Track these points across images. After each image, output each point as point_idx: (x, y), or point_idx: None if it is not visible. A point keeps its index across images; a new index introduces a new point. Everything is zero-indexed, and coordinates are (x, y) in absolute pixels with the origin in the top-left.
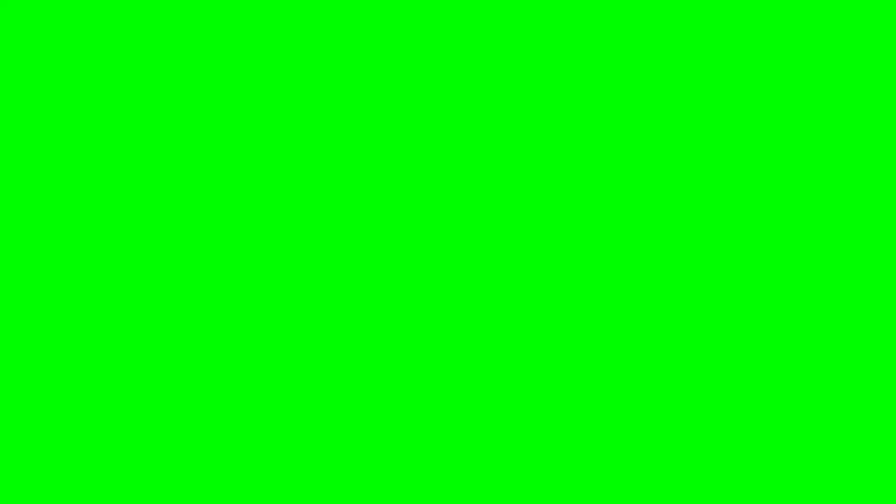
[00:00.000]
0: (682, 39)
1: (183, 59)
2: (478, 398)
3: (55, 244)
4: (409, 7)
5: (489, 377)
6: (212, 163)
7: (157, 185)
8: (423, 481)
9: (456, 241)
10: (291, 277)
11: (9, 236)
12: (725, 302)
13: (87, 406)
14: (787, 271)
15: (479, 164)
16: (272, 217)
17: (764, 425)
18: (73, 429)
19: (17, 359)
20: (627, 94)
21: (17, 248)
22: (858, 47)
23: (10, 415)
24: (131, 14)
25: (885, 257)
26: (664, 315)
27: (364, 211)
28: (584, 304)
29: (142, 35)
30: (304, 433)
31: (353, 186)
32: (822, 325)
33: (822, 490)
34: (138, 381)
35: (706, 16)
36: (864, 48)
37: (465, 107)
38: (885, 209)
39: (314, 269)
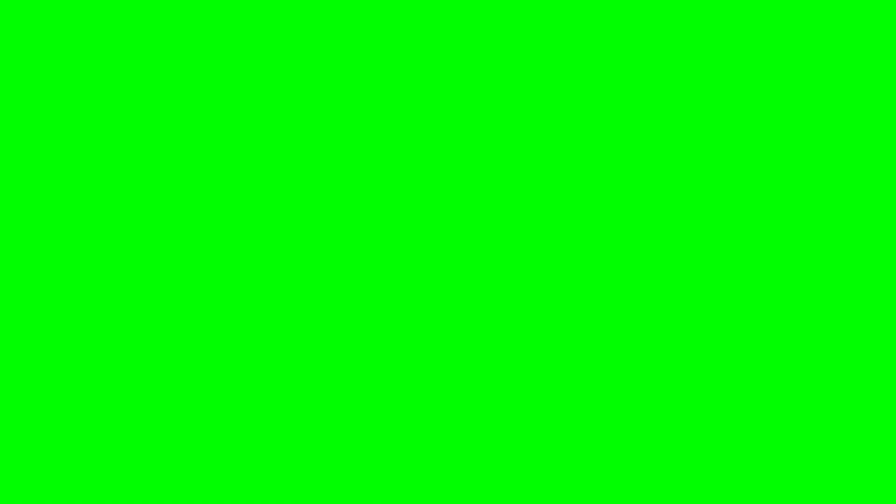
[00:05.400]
0: (681, 40)
1: (183, 59)
2: (478, 398)
3: (60, 245)
4: (409, 7)
5: (489, 377)
6: (212, 163)
7: (158, 186)
8: (422, 481)
9: (456, 242)
10: (292, 278)
11: (9, 236)
12: (725, 302)
13: (86, 407)
14: (788, 272)
15: (479, 163)
16: (272, 218)
17: (764, 425)
18: (75, 429)
19: (18, 359)
20: (627, 94)
21: (18, 249)
22: (858, 48)
23: (10, 415)
24: (131, 14)
25: (886, 257)
26: (664, 315)
27: (364, 211)
28: (583, 304)
29: (142, 35)
30: (304, 433)
31: (354, 186)
32: (822, 325)
33: (823, 490)
34: (139, 381)
35: (706, 16)
36: (864, 48)
37: (465, 107)
38: (886, 209)
39: (314, 269)
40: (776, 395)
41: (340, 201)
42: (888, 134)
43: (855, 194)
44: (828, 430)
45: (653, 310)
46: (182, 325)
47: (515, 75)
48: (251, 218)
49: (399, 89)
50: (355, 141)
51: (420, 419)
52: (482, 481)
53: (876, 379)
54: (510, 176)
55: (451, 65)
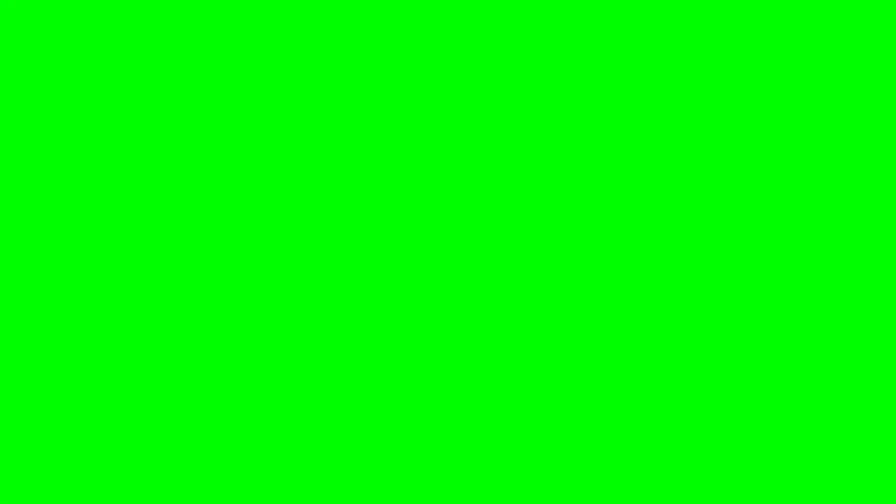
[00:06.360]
0: (682, 39)
1: (183, 58)
2: (477, 398)
3: (58, 245)
4: (409, 7)
5: (488, 377)
6: (212, 163)
7: (157, 185)
8: (423, 481)
9: (456, 241)
10: (291, 277)
11: (10, 236)
12: (725, 302)
13: (87, 406)
14: (787, 271)
15: (479, 164)
16: (272, 218)
17: (764, 426)
18: (73, 429)
19: (17, 359)
20: (627, 93)
21: (19, 249)
22: (858, 47)
23: (10, 415)
24: (131, 14)
25: (885, 257)
26: (664, 315)
27: (364, 211)
28: (583, 304)
29: (142, 35)
30: (305, 433)
31: (353, 186)
32: (821, 324)
33: (822, 489)
34: (138, 380)
35: (706, 16)
36: (863, 48)
37: (465, 107)
38: (885, 209)
39: (314, 269)
40: (776, 395)
41: (340, 201)
42: (888, 134)
43: (855, 194)
44: (828, 430)
45: (653, 310)
46: (182, 325)
47: (515, 75)
48: (251, 218)
49: (399, 89)
50: (355, 141)
51: (420, 419)
52: (481, 481)
53: (876, 379)
54: (510, 176)
55: (452, 65)
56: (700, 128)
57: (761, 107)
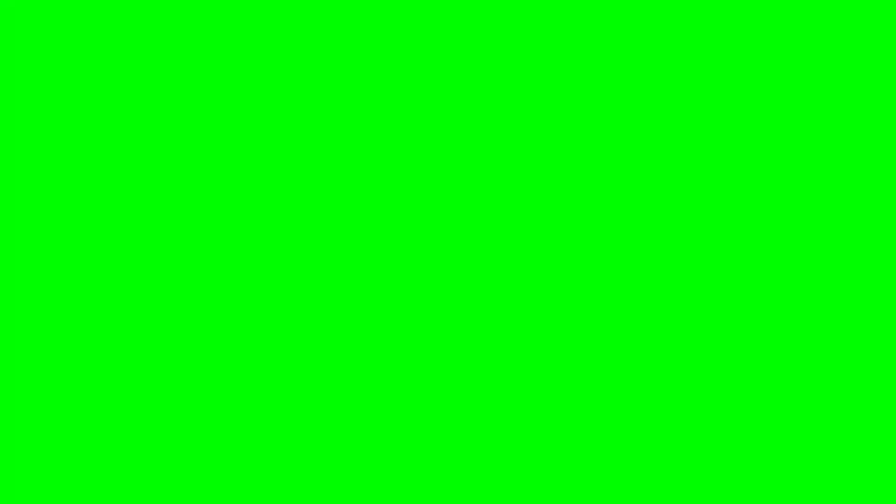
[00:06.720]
0: (682, 39)
1: (183, 58)
2: (477, 398)
3: (57, 245)
4: (409, 7)
5: (489, 377)
6: (212, 163)
7: (157, 185)
8: (423, 481)
9: (456, 241)
10: (291, 277)
11: (9, 236)
12: (725, 302)
13: (86, 406)
14: (787, 271)
15: (478, 164)
16: (272, 218)
17: (764, 426)
18: (73, 429)
19: (17, 359)
20: (627, 93)
21: (18, 249)
22: (858, 47)
23: (10, 415)
24: (131, 14)
25: (885, 257)
26: (664, 315)
27: (364, 211)
28: (583, 304)
29: (142, 35)
30: (305, 433)
31: (353, 186)
32: (821, 324)
33: (822, 489)
34: (138, 380)
35: (706, 16)
36: (863, 48)
37: (465, 107)
38: (885, 209)
39: (314, 269)
40: (776, 396)
41: (340, 201)
42: (888, 134)
43: (855, 194)
44: (828, 430)
45: (653, 310)
46: (182, 326)
47: (515, 75)
48: (251, 218)
49: (399, 89)
50: (355, 141)
51: (420, 419)
52: (482, 481)
53: (876, 379)
54: (510, 176)
55: (452, 65)
56: (700, 128)
57: (761, 107)
